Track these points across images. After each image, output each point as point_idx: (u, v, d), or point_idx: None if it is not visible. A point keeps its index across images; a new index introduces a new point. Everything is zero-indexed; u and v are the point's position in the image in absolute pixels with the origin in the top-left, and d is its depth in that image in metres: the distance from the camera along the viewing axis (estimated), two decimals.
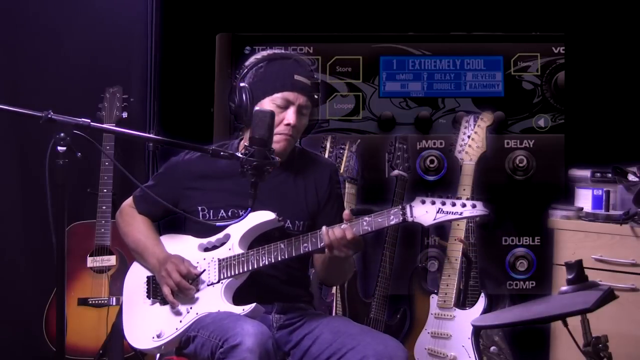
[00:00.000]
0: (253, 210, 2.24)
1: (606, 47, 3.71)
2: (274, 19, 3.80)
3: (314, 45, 3.83)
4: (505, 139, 3.81)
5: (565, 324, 1.95)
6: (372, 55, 3.84)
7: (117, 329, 3.24)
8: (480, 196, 3.18)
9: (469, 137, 3.19)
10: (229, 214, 2.36)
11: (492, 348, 3.23)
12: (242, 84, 2.37)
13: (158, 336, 2.29)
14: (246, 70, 2.42)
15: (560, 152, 3.79)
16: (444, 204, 2.15)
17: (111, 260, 3.44)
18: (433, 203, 2.15)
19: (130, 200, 2.53)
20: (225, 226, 2.33)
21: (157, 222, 2.56)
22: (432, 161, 3.79)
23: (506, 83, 3.84)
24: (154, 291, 2.36)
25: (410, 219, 2.16)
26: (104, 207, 3.41)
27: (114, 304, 3.39)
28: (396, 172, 3.33)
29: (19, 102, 1.94)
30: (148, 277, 2.39)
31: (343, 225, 2.20)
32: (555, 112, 3.83)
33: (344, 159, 3.42)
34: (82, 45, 3.67)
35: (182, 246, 2.39)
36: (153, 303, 2.36)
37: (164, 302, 2.33)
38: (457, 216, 2.14)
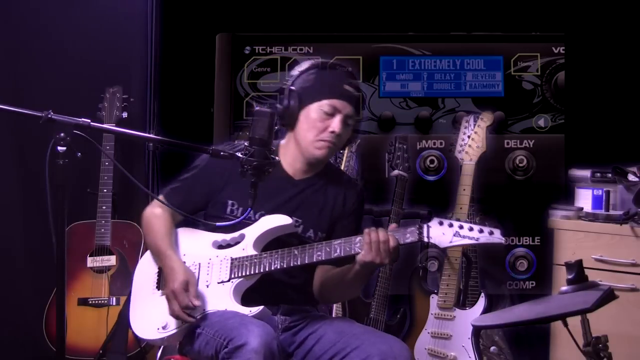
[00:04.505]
0: (275, 212, 2.32)
1: (606, 47, 3.71)
2: (274, 19, 3.80)
3: (314, 45, 3.83)
4: (505, 139, 3.82)
5: (565, 324, 1.94)
6: (372, 55, 3.84)
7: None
8: (481, 196, 3.20)
9: (469, 137, 3.18)
10: (256, 216, 2.37)
11: (492, 348, 3.23)
12: (292, 87, 2.38)
13: (163, 328, 2.28)
14: (298, 74, 2.42)
15: (560, 152, 3.79)
16: (461, 227, 2.15)
17: (111, 260, 3.44)
18: (451, 225, 2.16)
19: (152, 204, 2.50)
20: (226, 227, 2.33)
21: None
22: (432, 161, 3.79)
23: (506, 83, 3.84)
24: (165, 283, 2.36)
25: (426, 239, 2.17)
26: (104, 207, 3.41)
27: (114, 304, 3.39)
28: (396, 172, 3.33)
29: (20, 102, 1.94)
30: (160, 268, 2.39)
31: (389, 229, 2.20)
32: (555, 112, 3.83)
33: (344, 159, 3.42)
34: (82, 45, 3.67)
35: (196, 241, 2.40)
36: (162, 294, 2.35)
37: None
38: (474, 241, 2.14)
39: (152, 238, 2.41)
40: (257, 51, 3.83)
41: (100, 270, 3.43)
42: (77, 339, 3.32)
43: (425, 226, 2.17)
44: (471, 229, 2.14)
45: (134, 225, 3.49)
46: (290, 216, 2.34)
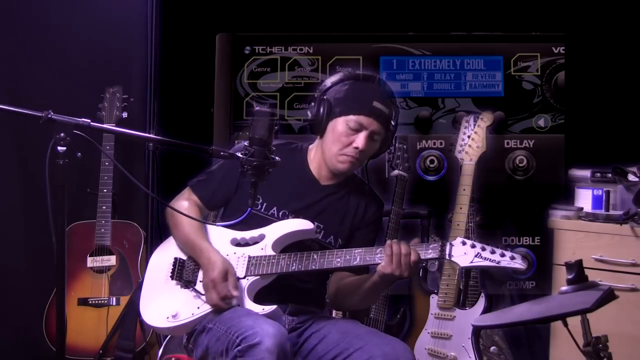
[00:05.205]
0: (299, 214, 2.35)
1: (606, 47, 3.71)
2: (274, 19, 3.80)
3: (314, 45, 3.83)
4: (505, 139, 3.82)
5: (565, 324, 1.95)
6: (372, 55, 3.84)
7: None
8: (481, 196, 3.20)
9: (469, 137, 3.18)
10: (279, 215, 2.39)
11: (492, 348, 3.23)
12: (324, 97, 2.41)
13: (173, 317, 2.29)
14: (331, 85, 2.44)
15: (560, 152, 3.79)
16: (483, 249, 2.18)
17: (111, 260, 3.44)
18: (473, 246, 2.19)
19: (177, 199, 2.48)
20: (225, 226, 2.35)
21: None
22: (432, 161, 3.79)
23: (506, 83, 3.84)
24: (179, 273, 2.36)
25: (447, 257, 2.20)
26: (104, 207, 3.41)
27: (114, 304, 3.39)
28: (396, 172, 3.32)
29: (19, 102, 1.94)
30: (175, 259, 2.39)
31: (411, 244, 2.22)
32: (555, 112, 3.83)
33: None
34: (82, 45, 3.67)
35: (215, 238, 2.40)
36: (176, 284, 2.36)
37: (186, 285, 2.34)
38: (494, 264, 2.17)
39: (183, 232, 2.40)
40: (257, 51, 3.83)
41: (100, 270, 3.44)
42: (77, 339, 3.32)
43: (448, 244, 2.20)
44: (493, 252, 2.17)
45: (134, 225, 3.50)
46: (313, 220, 2.36)
